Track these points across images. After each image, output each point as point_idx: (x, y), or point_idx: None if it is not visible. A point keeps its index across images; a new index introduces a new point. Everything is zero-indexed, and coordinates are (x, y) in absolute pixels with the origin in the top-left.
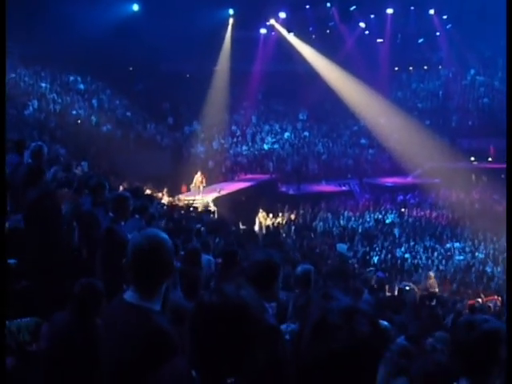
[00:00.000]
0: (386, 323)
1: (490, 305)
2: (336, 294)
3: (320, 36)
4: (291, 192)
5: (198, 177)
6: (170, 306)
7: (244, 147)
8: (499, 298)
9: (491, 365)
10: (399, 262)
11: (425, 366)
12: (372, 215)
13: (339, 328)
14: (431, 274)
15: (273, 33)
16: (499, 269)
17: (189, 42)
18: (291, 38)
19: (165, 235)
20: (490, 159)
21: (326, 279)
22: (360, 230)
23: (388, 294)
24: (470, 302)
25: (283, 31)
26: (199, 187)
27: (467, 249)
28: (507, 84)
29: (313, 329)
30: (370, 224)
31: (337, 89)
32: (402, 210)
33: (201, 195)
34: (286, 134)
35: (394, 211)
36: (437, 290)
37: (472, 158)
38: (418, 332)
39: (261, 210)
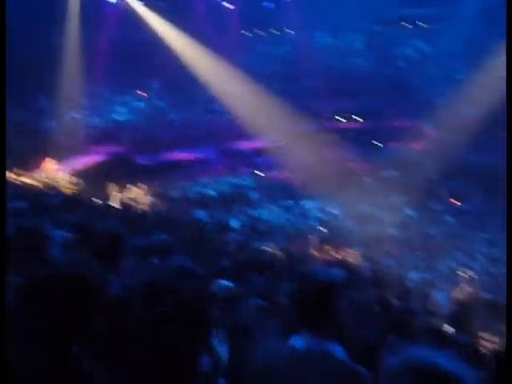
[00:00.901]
0: (228, 283)
1: (352, 260)
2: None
3: (168, 3)
4: (146, 162)
5: (48, 161)
6: None
7: (96, 119)
8: (355, 253)
9: (327, 315)
10: (257, 224)
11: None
12: (228, 180)
13: (167, 291)
14: (312, 236)
15: (121, 1)
16: (354, 223)
17: (34, 12)
18: (140, 6)
19: None
20: (339, 119)
21: (184, 246)
22: (217, 196)
23: (247, 256)
24: (327, 257)
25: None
26: (50, 169)
27: (322, 207)
28: (507, 82)
29: (141, 293)
30: (227, 189)
31: (187, 57)
32: (258, 172)
33: (53, 173)
34: (139, 104)
35: (249, 175)
36: (316, 253)
37: (322, 120)
38: (272, 290)
39: (114, 184)
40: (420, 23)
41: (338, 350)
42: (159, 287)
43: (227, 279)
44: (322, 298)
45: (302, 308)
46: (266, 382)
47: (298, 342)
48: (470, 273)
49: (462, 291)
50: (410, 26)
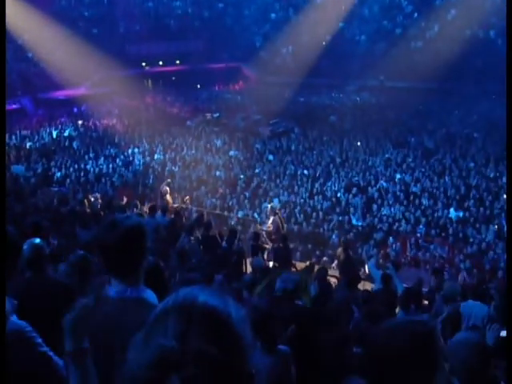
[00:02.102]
0: (37, 241)
1: (178, 204)
2: None
3: None
4: None
5: None
6: None
7: None
8: (188, 198)
9: (138, 261)
10: (81, 174)
11: None
12: (48, 131)
13: None
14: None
15: None
16: (180, 167)
17: None
18: None
19: None
20: (160, 63)
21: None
22: (37, 148)
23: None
24: (153, 203)
25: None
26: None
27: (147, 153)
28: (507, 81)
29: None
30: (47, 140)
31: None
32: (79, 121)
33: None
34: None
35: (70, 124)
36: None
37: (143, 64)
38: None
39: None
40: None
41: (149, 296)
42: None
43: (45, 235)
44: (123, 245)
45: (107, 257)
46: (82, 336)
47: (110, 291)
48: (278, 207)
49: (276, 226)
50: None
